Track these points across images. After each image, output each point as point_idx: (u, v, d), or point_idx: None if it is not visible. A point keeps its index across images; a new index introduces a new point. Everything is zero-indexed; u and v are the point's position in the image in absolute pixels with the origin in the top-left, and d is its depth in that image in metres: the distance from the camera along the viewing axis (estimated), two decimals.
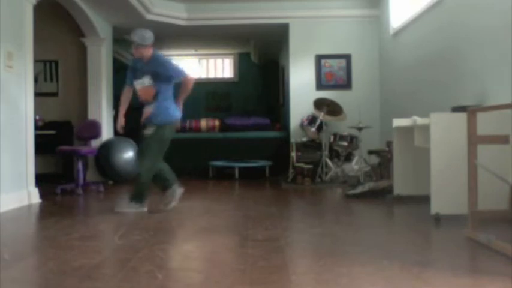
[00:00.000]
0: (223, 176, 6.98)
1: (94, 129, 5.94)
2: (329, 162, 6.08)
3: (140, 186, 3.98)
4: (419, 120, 3.72)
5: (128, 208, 3.96)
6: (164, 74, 3.99)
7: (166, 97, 4.04)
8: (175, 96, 4.14)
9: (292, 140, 6.62)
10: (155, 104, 4.00)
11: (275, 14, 7.13)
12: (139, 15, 6.56)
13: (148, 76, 3.99)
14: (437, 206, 3.33)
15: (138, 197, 3.98)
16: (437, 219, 3.31)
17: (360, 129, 6.03)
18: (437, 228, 3.18)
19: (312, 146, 6.33)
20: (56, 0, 5.64)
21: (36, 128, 5.31)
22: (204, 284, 2.06)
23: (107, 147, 6.18)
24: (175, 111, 4.08)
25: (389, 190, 4.54)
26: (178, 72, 4.03)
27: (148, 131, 3.98)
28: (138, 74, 4.07)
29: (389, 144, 5.19)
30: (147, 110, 4.02)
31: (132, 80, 4.12)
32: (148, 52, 4.03)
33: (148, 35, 4.00)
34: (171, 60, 4.19)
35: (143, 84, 4.02)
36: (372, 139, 6.62)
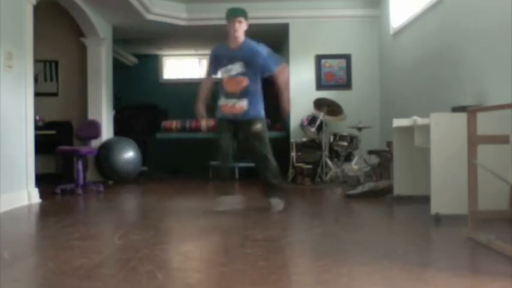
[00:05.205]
0: None
1: (94, 129, 5.94)
2: (329, 162, 6.08)
3: (276, 181, 3.80)
4: (419, 120, 3.72)
5: (281, 206, 3.80)
6: (259, 65, 3.63)
7: (257, 90, 3.72)
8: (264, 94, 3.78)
9: (292, 140, 6.62)
10: (248, 99, 3.67)
11: (275, 14, 7.12)
12: (140, 15, 6.56)
13: (238, 63, 3.65)
14: (437, 206, 3.32)
15: (282, 193, 3.86)
16: (437, 219, 3.30)
17: (360, 129, 6.03)
18: (437, 228, 3.18)
19: (312, 146, 6.32)
20: (56, 0, 5.64)
21: (36, 128, 5.30)
22: (204, 284, 2.06)
23: (107, 147, 6.19)
24: (262, 109, 3.80)
25: (389, 190, 4.53)
26: (277, 63, 3.62)
27: (257, 126, 3.70)
28: (223, 61, 3.71)
29: (389, 144, 5.19)
30: (238, 105, 3.69)
31: (215, 69, 3.78)
32: (242, 31, 3.69)
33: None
34: (268, 49, 3.71)
35: (230, 72, 3.67)
36: (372, 139, 6.61)
